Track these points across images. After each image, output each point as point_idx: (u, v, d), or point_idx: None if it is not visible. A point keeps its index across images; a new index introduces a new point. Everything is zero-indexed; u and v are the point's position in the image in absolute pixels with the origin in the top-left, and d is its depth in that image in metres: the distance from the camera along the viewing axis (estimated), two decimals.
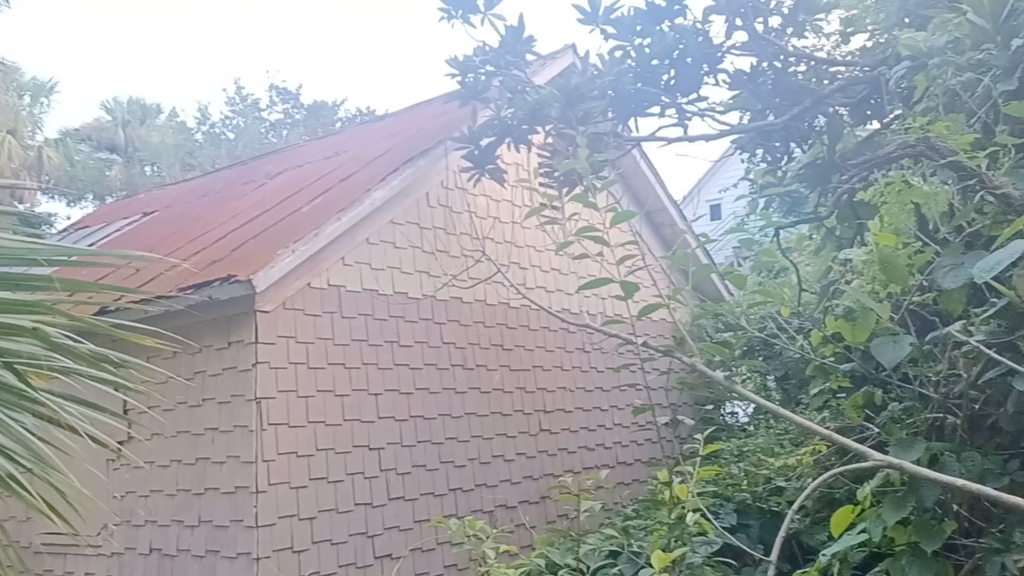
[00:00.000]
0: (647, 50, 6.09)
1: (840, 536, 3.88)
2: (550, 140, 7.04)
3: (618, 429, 8.98)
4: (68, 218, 29.71)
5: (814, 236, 7.72)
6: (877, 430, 4.21)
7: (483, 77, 6.72)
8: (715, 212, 24.31)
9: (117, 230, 10.60)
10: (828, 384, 4.51)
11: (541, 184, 8.32)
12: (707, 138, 6.36)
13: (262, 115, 34.24)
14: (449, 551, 6.71)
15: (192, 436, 6.08)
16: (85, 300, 5.85)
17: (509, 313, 7.93)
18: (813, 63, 6.34)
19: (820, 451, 5.73)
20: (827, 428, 4.42)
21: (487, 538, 4.33)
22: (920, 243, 4.07)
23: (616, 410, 8.99)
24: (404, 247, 6.98)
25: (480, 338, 7.56)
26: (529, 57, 6.76)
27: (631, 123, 6.63)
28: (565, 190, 7.15)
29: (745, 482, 6.98)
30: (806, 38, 6.44)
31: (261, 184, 9.33)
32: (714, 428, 6.67)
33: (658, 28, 6.05)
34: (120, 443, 6.98)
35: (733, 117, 6.50)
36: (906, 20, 5.77)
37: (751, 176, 7.61)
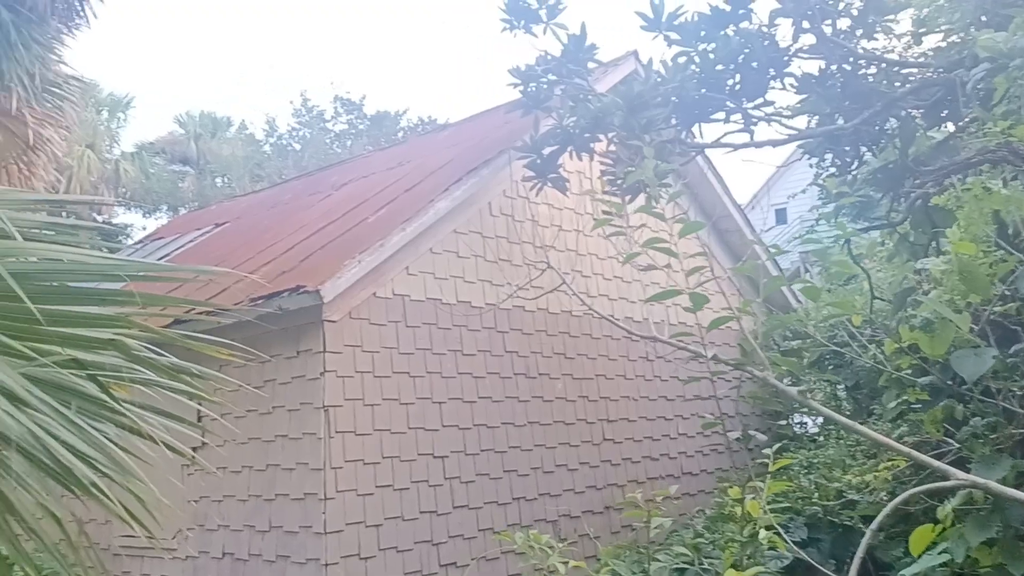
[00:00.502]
0: (711, 55, 6.02)
1: (920, 556, 3.74)
2: (612, 148, 7.01)
3: (683, 439, 8.87)
4: (144, 228, 30.81)
5: (886, 242, 7.51)
6: (957, 446, 4.06)
7: (545, 86, 6.74)
8: (780, 216, 23.85)
9: (190, 241, 10.92)
10: (904, 397, 4.37)
11: (604, 192, 8.29)
12: (774, 143, 6.25)
13: (327, 126, 34.95)
14: (513, 561, 6.71)
15: (263, 443, 6.22)
16: (159, 312, 6.06)
17: (571, 322, 7.91)
18: (884, 65, 6.17)
19: (897, 466, 5.55)
20: (904, 443, 4.28)
21: (554, 551, 4.30)
22: (1001, 251, 3.92)
23: (681, 420, 8.88)
24: (467, 256, 7.02)
25: (543, 347, 7.56)
26: (591, 65, 6.75)
27: (695, 130, 6.55)
28: (628, 198, 7.10)
29: (816, 495, 6.81)
30: (876, 40, 6.27)
31: (327, 195, 9.52)
32: (784, 440, 6.53)
33: (722, 33, 5.98)
34: (194, 450, 7.19)
35: (801, 121, 6.37)
36: (983, 19, 5.57)
37: (820, 181, 7.44)
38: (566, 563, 4.35)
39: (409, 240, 6.27)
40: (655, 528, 4.60)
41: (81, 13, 7.60)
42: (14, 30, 7.25)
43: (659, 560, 5.13)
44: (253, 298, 5.93)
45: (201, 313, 6.25)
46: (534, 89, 6.69)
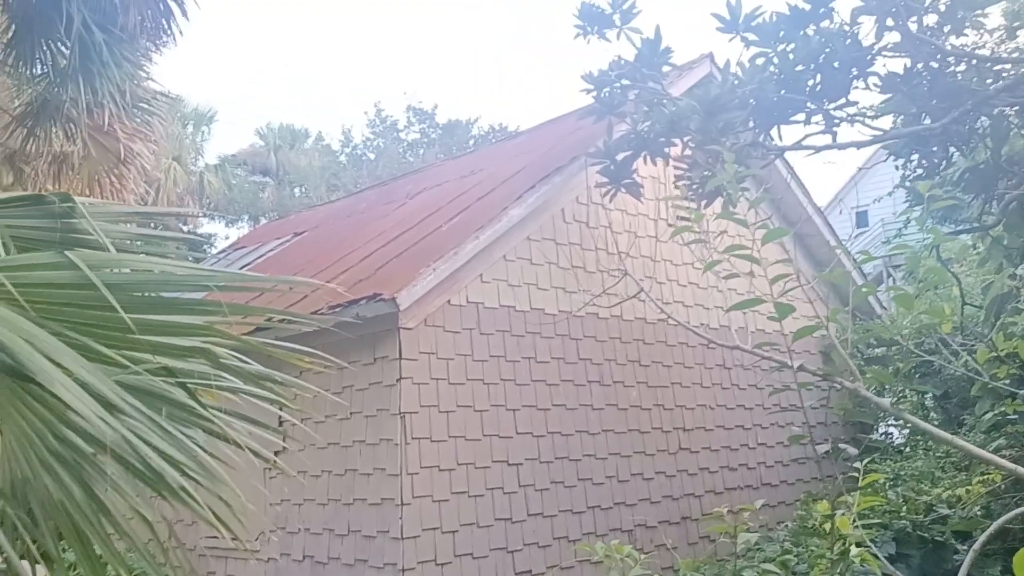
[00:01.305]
0: (791, 56, 5.86)
1: None
2: (688, 152, 6.91)
3: (762, 449, 8.66)
4: (226, 238, 31.82)
5: (977, 246, 7.20)
6: None
7: (619, 91, 6.68)
8: (861, 220, 23.13)
9: (271, 250, 11.22)
10: (1001, 408, 4.16)
11: (681, 198, 8.18)
12: (858, 145, 6.05)
13: (400, 135, 35.51)
14: (590, 571, 6.67)
15: (341, 448, 6.33)
16: (241, 320, 6.23)
17: (646, 328, 7.82)
18: (974, 62, 5.91)
19: (993, 480, 5.30)
20: (1003, 457, 4.07)
21: (636, 563, 4.23)
22: None
23: (760, 429, 8.67)
24: (540, 263, 7.02)
25: (617, 354, 7.49)
26: (665, 69, 6.67)
27: (774, 133, 6.40)
28: (705, 203, 6.98)
29: (904, 509, 6.55)
30: (966, 36, 6.01)
31: (401, 204, 9.65)
32: (871, 452, 6.30)
33: (802, 33, 5.82)
34: (276, 454, 7.38)
35: (885, 122, 6.17)
36: None
37: (908, 183, 7.18)
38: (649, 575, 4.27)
39: (483, 248, 6.30)
40: (742, 544, 4.47)
41: (168, 31, 7.89)
42: (106, 49, 7.58)
43: None
44: (332, 306, 6.05)
45: (282, 321, 6.42)
46: (607, 94, 6.64)
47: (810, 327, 4.69)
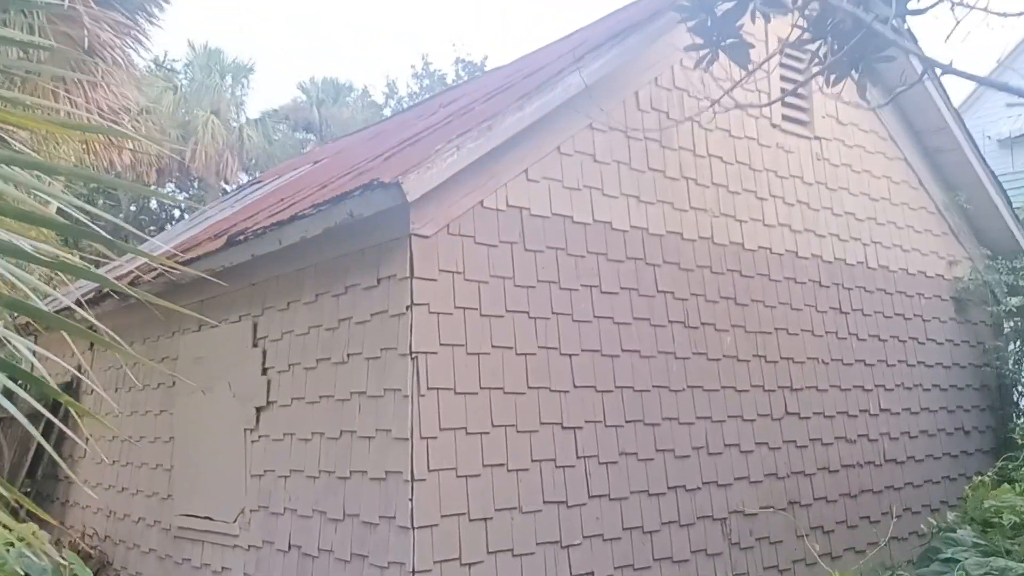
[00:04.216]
0: None
1: None
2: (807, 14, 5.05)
3: (885, 416, 6.78)
4: None
5: None
6: None
7: None
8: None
9: (285, 181, 9.65)
10: None
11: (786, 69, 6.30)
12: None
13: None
14: (671, 570, 4.96)
15: (336, 402, 4.68)
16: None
17: (743, 257, 5.98)
18: None
19: None
20: None
21: None
22: None
23: (883, 391, 6.79)
24: (607, 161, 5.23)
25: (706, 288, 5.68)
26: None
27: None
28: (833, 79, 5.09)
29: None
30: None
31: (433, 113, 7.92)
32: None
33: None
34: (258, 410, 5.81)
35: None
36: None
37: None
38: None
39: (528, 125, 4.53)
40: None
41: None
42: None
43: None
44: (316, 204, 4.36)
45: (265, 230, 4.77)
46: None
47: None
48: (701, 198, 5.78)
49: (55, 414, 8.28)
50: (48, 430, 8.25)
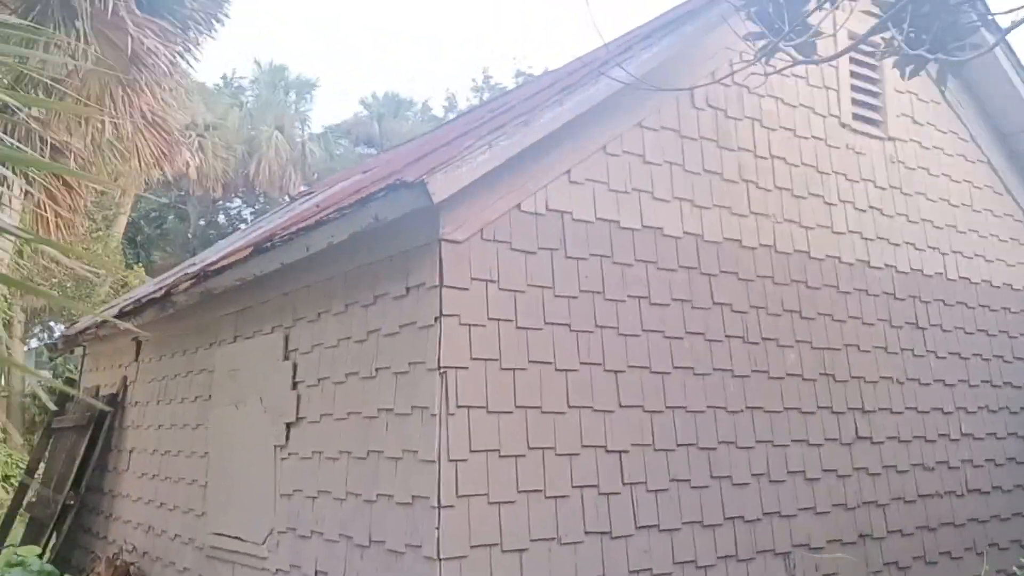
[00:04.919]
0: None
1: None
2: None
3: (968, 441, 6.18)
4: None
5: None
6: None
7: None
8: None
9: (333, 191, 9.49)
10: None
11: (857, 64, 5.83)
12: None
13: None
14: None
15: (364, 420, 4.38)
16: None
17: (809, 267, 5.51)
18: None
19: None
20: None
21: None
22: None
23: (965, 414, 6.20)
24: (657, 162, 4.84)
25: (767, 300, 5.23)
26: None
27: None
28: (910, 69, 4.63)
29: None
30: None
31: (480, 118, 7.63)
32: None
33: None
34: (288, 425, 5.57)
35: None
36: None
37: None
38: None
39: (568, 122, 4.18)
40: None
41: None
42: None
43: None
44: (341, 208, 4.09)
45: (292, 237, 4.53)
46: None
47: None
48: (762, 202, 5.34)
49: (99, 427, 8.24)
50: (93, 442, 8.21)
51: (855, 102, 5.99)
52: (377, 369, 4.30)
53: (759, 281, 5.21)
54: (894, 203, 6.09)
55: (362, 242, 4.29)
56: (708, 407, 4.81)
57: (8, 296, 19.12)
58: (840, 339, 5.56)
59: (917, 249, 6.16)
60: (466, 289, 3.98)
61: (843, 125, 5.90)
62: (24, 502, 9.28)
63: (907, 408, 5.84)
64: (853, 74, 6.01)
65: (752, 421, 4.98)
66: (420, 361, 3.97)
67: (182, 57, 7.77)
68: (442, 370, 3.85)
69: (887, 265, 5.96)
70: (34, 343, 25.51)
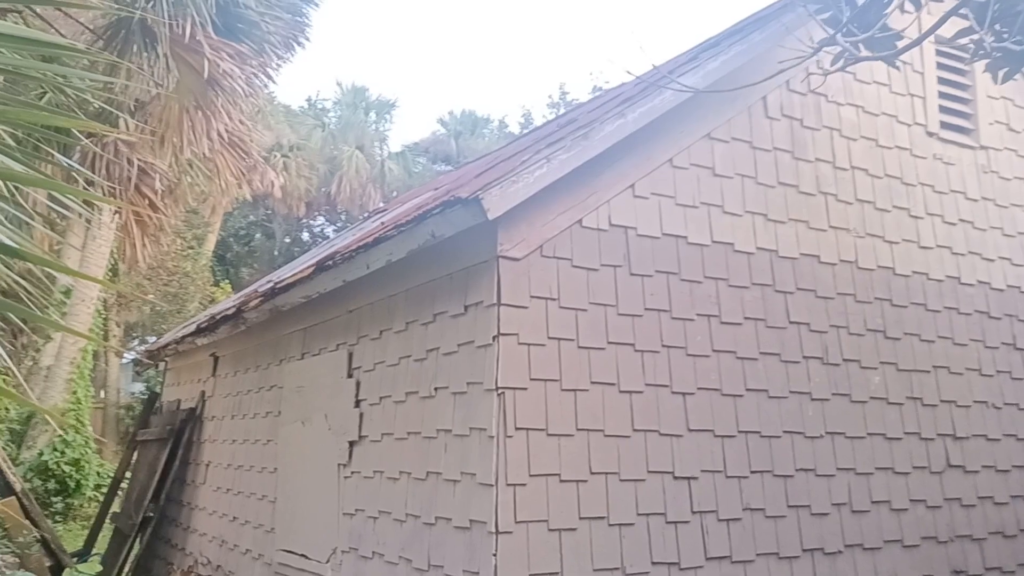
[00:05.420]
0: None
1: None
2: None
3: None
4: None
5: None
6: None
7: None
8: None
9: (404, 208, 9.55)
10: None
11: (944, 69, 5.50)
12: None
13: None
14: None
15: (423, 440, 4.31)
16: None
17: (894, 283, 5.20)
18: None
19: None
20: None
21: None
22: None
23: None
24: (728, 175, 4.64)
25: (849, 319, 4.94)
26: None
27: None
28: (1003, 72, 4.34)
29: None
30: None
31: (550, 132, 7.54)
32: None
33: None
34: (351, 443, 5.54)
35: None
36: None
37: None
38: None
39: (632, 134, 4.03)
40: None
41: None
42: None
43: None
44: (398, 225, 4.04)
45: (353, 254, 4.51)
46: None
47: None
48: (842, 216, 5.07)
49: (178, 440, 8.44)
50: (173, 455, 8.41)
51: (943, 109, 5.64)
52: (436, 389, 4.23)
53: (839, 299, 4.93)
54: (987, 216, 5.70)
55: (421, 260, 4.23)
56: (784, 432, 4.56)
57: (104, 311, 20.00)
58: (928, 360, 5.21)
59: (1014, 265, 5.75)
60: (525, 307, 3.87)
61: (930, 134, 5.56)
62: (109, 512, 9.60)
63: (1004, 435, 5.43)
64: (940, 80, 5.67)
65: (832, 447, 4.70)
66: (478, 381, 3.87)
67: (258, 79, 7.96)
68: (500, 391, 3.74)
69: (980, 282, 5.57)
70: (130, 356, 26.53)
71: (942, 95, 5.69)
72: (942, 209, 5.52)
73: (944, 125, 5.66)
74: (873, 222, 5.19)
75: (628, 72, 4.12)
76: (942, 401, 5.21)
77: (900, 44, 4.20)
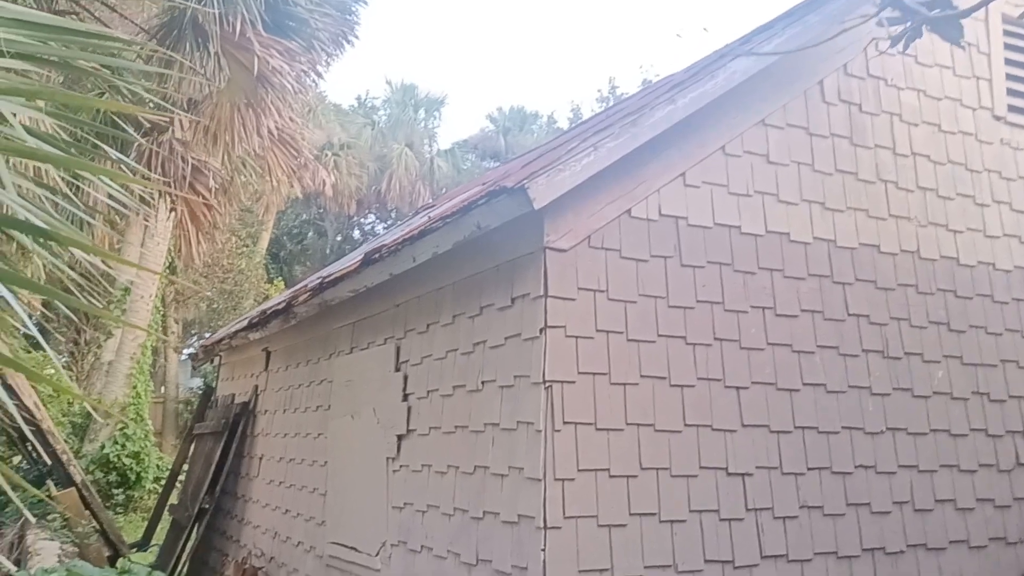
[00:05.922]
0: None
1: None
2: None
3: None
4: None
5: None
6: None
7: None
8: None
9: (452, 203, 9.54)
10: None
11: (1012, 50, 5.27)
12: None
13: None
14: None
15: (470, 434, 4.27)
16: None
17: (958, 274, 4.99)
18: None
19: None
20: None
21: None
22: None
23: None
24: (783, 163, 4.50)
25: (910, 311, 4.76)
26: None
27: None
28: None
29: None
30: None
31: (599, 122, 7.44)
32: None
33: None
34: (399, 437, 5.54)
35: None
36: None
37: None
38: None
39: (682, 120, 3.92)
40: None
41: None
42: None
43: None
44: (444, 216, 4.01)
45: (398, 247, 4.50)
46: None
47: None
48: (903, 204, 4.88)
49: (233, 434, 8.57)
50: (227, 448, 8.54)
51: (1011, 92, 5.40)
52: (483, 382, 4.18)
53: (900, 290, 4.75)
54: None
55: (467, 252, 4.19)
56: (843, 427, 4.41)
57: (162, 308, 20.48)
58: (995, 354, 4.99)
59: None
60: (572, 299, 3.80)
61: (997, 118, 5.33)
62: (167, 504, 9.80)
63: None
64: (1008, 61, 5.43)
65: (894, 443, 4.53)
66: (525, 374, 3.82)
67: (307, 76, 8.02)
68: (547, 384, 3.67)
69: None
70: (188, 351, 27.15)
71: (1010, 77, 5.44)
72: (1010, 196, 5.29)
73: (1012, 108, 5.42)
74: (936, 210, 4.99)
75: (704, 37, 4.01)
76: (1010, 396, 4.99)
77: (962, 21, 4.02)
